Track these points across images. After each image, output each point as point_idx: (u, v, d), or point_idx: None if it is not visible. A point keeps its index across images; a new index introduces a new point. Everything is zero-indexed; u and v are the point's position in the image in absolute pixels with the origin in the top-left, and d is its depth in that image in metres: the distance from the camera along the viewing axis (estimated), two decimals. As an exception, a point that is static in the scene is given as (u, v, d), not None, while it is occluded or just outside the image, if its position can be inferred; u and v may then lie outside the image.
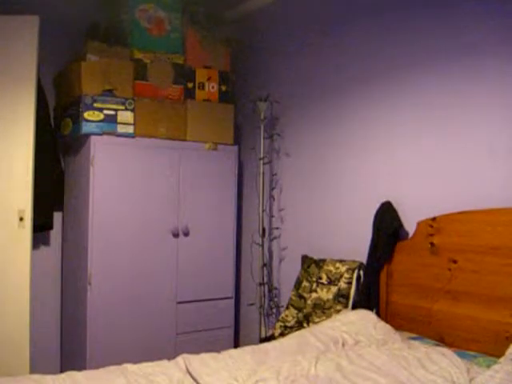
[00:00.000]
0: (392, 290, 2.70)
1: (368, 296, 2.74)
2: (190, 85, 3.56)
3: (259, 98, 3.49)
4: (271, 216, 3.61)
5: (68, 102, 3.32)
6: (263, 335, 3.41)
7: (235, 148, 3.72)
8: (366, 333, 2.39)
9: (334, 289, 2.85)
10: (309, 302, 2.94)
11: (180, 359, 2.09)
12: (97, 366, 2.07)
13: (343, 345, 2.31)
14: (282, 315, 3.06)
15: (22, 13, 2.92)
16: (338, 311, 2.76)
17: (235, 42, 3.75)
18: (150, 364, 2.05)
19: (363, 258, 2.81)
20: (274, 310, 3.53)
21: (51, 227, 3.45)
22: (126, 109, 3.24)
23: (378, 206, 2.78)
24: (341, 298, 2.80)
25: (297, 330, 2.71)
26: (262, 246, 3.50)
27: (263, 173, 3.51)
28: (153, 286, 3.35)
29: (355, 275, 2.82)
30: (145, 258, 3.32)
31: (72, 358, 3.38)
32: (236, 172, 3.72)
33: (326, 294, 2.87)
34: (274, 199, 3.62)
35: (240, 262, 3.85)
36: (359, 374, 1.94)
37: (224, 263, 3.66)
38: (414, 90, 2.73)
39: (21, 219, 2.92)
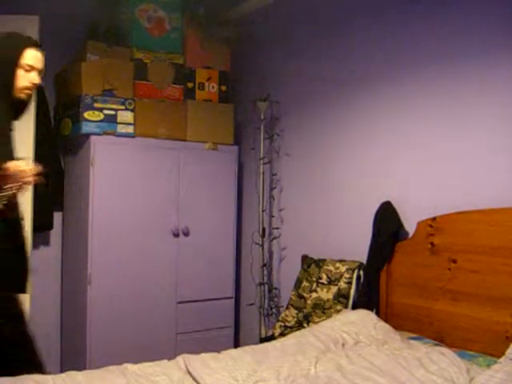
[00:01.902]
0: (392, 290, 2.70)
1: (368, 296, 2.74)
2: (190, 85, 3.56)
3: (259, 98, 3.48)
4: (271, 216, 3.61)
5: (68, 102, 3.32)
6: (263, 335, 3.41)
7: (235, 148, 3.72)
8: (366, 333, 2.39)
9: (334, 289, 2.85)
10: (309, 301, 2.94)
11: (180, 359, 2.09)
12: (97, 366, 2.07)
13: (343, 345, 2.31)
14: (282, 315, 3.06)
15: (22, 13, 2.92)
16: (338, 311, 2.76)
17: (235, 42, 3.75)
18: (150, 364, 2.04)
19: (363, 258, 2.81)
20: (274, 310, 3.53)
21: (51, 227, 3.45)
22: (126, 109, 3.24)
23: (377, 206, 2.78)
24: (341, 297, 2.80)
25: (297, 330, 2.71)
26: (262, 246, 3.50)
27: (263, 173, 3.51)
28: (153, 285, 3.35)
29: (355, 275, 2.82)
30: (145, 258, 3.32)
31: (72, 357, 3.38)
32: (236, 172, 3.72)
33: (326, 293, 2.87)
34: (273, 199, 3.62)
35: (240, 261, 3.85)
36: (359, 373, 1.94)
37: (224, 263, 3.66)
38: (414, 91, 2.73)
39: (21, 219, 2.91)
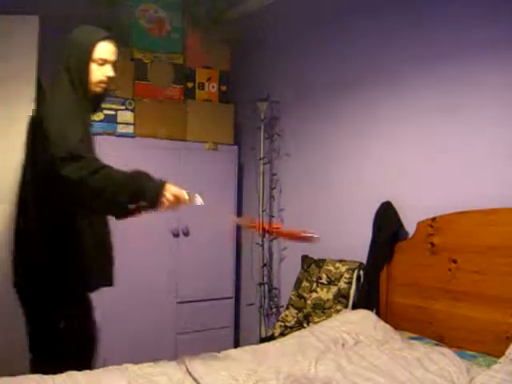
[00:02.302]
0: (392, 290, 2.70)
1: (368, 296, 2.74)
2: (190, 85, 3.56)
3: (259, 98, 3.48)
4: (271, 216, 3.61)
5: (68, 102, 3.32)
6: (263, 335, 3.41)
7: (235, 148, 3.72)
8: (366, 333, 2.39)
9: (334, 289, 2.85)
10: (309, 302, 2.93)
11: (180, 359, 2.09)
12: (97, 366, 2.07)
13: (343, 345, 2.31)
14: (282, 315, 3.06)
15: (22, 13, 2.91)
16: (338, 311, 2.76)
17: (235, 42, 3.75)
18: (150, 364, 2.04)
19: (363, 258, 2.81)
20: (274, 310, 3.53)
21: (51, 227, 3.44)
22: (126, 109, 3.24)
23: (378, 205, 2.78)
24: (341, 298, 2.80)
25: (297, 330, 2.71)
26: (262, 246, 3.50)
27: (263, 173, 3.51)
28: (153, 285, 3.35)
29: (355, 275, 2.82)
30: (145, 258, 3.32)
31: (72, 357, 3.38)
32: (236, 172, 3.72)
33: (326, 294, 2.87)
34: (274, 199, 3.62)
35: (240, 261, 3.85)
36: (359, 373, 1.94)
37: (224, 263, 3.66)
38: (414, 91, 2.73)
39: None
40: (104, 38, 2.13)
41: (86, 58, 2.09)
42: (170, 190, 1.93)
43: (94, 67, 2.10)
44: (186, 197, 1.97)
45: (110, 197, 1.94)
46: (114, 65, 2.16)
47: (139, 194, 1.94)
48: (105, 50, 2.12)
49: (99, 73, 2.11)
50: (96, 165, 2.00)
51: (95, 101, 2.20)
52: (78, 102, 2.09)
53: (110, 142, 3.18)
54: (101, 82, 2.13)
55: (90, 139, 2.18)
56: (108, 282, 2.31)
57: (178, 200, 1.94)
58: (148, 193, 1.94)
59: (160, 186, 1.94)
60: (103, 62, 2.11)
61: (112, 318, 3.19)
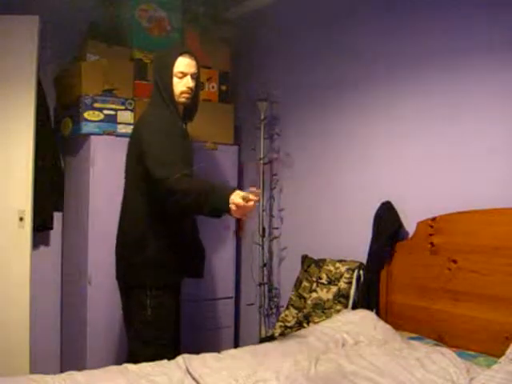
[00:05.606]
0: (392, 289, 2.70)
1: (368, 296, 2.74)
2: (190, 85, 3.56)
3: (259, 98, 3.48)
4: (271, 216, 3.61)
5: (68, 102, 3.32)
6: (263, 335, 3.41)
7: (235, 148, 3.71)
8: (366, 333, 2.39)
9: (334, 289, 2.85)
10: (309, 302, 2.93)
11: (180, 359, 2.09)
12: (97, 366, 2.07)
13: (343, 345, 2.31)
14: (282, 315, 3.06)
15: (22, 13, 2.91)
16: (338, 311, 2.76)
17: (235, 42, 3.75)
18: (149, 364, 2.05)
19: (363, 258, 2.81)
20: (274, 310, 3.53)
21: (51, 227, 3.45)
22: (126, 109, 3.24)
23: (378, 205, 2.78)
24: (341, 297, 2.80)
25: (297, 330, 2.71)
26: (262, 245, 3.50)
27: (263, 173, 3.51)
28: (153, 285, 3.34)
29: (355, 275, 2.82)
30: (145, 258, 3.31)
31: (72, 357, 3.38)
32: (236, 172, 3.72)
33: (326, 294, 2.87)
34: (274, 199, 3.62)
35: (240, 261, 3.85)
36: (359, 373, 1.94)
37: (224, 263, 3.66)
38: (414, 91, 2.73)
39: (21, 219, 2.92)
40: (183, 53, 2.42)
41: (168, 73, 2.40)
42: (235, 201, 1.96)
43: (175, 80, 2.41)
44: (250, 203, 1.96)
45: (181, 204, 2.17)
46: (193, 76, 2.45)
47: (204, 207, 2.08)
48: (182, 63, 2.41)
49: (180, 85, 2.41)
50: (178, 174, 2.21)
51: (186, 112, 2.55)
52: (171, 114, 2.41)
53: (110, 142, 3.18)
54: (183, 92, 2.43)
55: (185, 143, 2.50)
56: (196, 274, 2.64)
57: (244, 208, 1.97)
58: (212, 205, 2.06)
59: (226, 197, 1.99)
60: (182, 75, 2.41)
61: (112, 318, 3.18)
